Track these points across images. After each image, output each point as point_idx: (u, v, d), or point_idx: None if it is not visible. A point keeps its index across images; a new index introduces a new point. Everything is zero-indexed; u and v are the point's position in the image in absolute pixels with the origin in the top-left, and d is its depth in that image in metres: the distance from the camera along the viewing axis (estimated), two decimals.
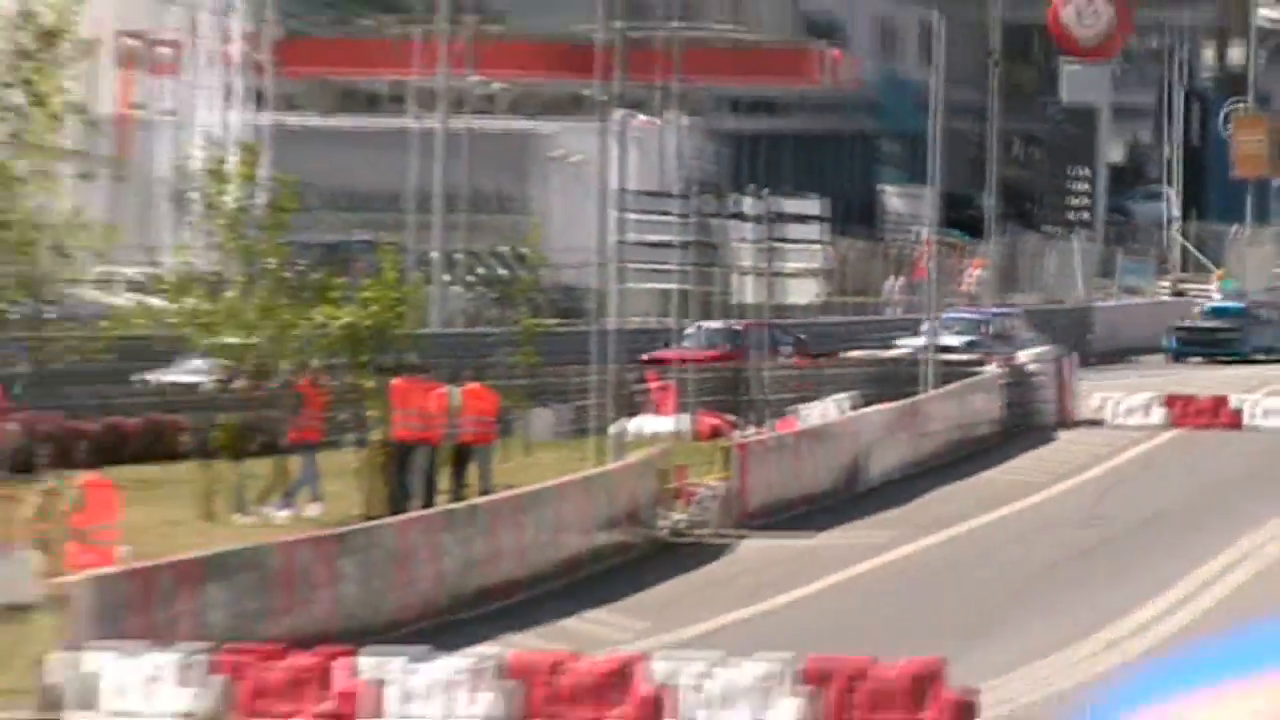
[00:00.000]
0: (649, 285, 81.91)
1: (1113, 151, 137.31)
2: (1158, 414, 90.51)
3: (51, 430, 68.88)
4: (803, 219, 79.59)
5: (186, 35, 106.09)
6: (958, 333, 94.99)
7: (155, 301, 76.28)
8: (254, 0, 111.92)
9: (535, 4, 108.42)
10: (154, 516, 57.54)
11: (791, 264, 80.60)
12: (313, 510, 62.89)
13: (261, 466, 63.87)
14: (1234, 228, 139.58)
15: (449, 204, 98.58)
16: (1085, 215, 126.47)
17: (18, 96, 63.93)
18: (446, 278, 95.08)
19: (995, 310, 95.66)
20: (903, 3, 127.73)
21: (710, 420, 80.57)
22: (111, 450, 69.79)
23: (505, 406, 70.44)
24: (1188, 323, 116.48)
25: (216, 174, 71.27)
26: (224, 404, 67.59)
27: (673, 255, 76.86)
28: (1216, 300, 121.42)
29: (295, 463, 64.08)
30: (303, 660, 44.25)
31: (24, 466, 61.52)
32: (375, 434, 64.64)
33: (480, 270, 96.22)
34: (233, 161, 74.90)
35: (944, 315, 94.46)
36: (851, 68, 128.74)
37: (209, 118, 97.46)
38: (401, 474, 62.85)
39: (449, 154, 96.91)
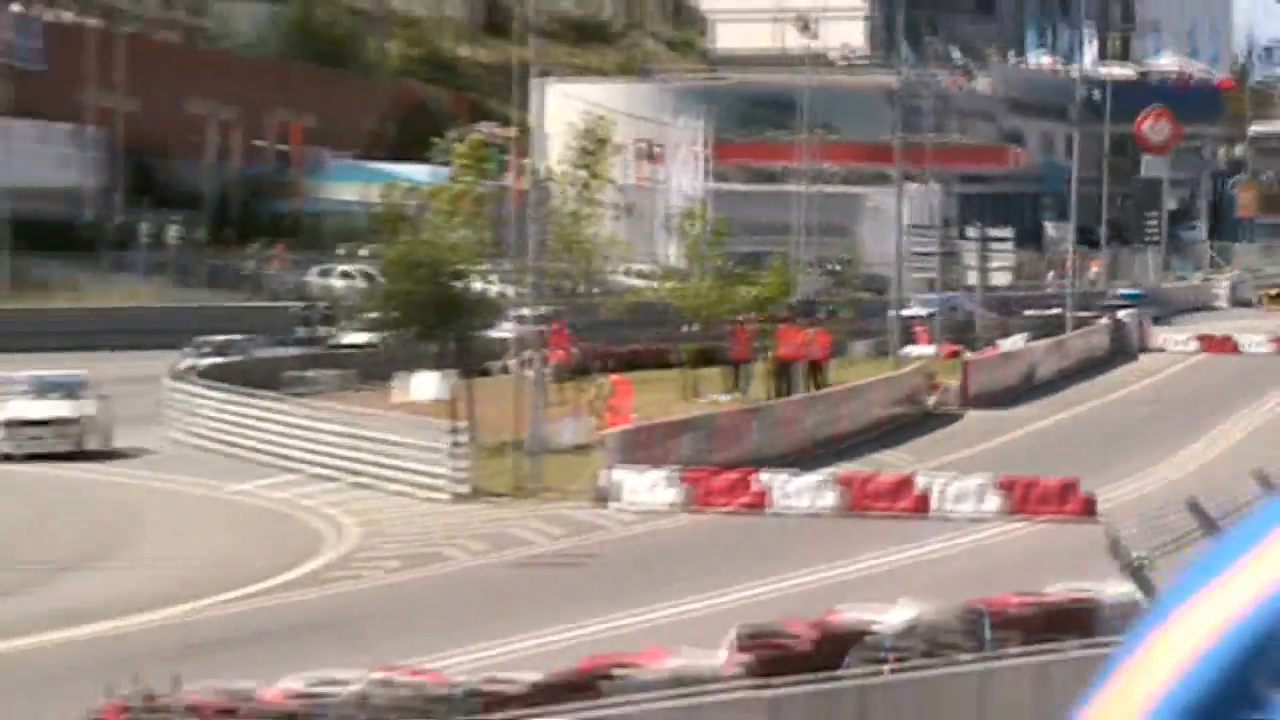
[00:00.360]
0: (918, 275, 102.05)
1: (1170, 202, 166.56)
2: (1193, 345, 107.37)
3: (598, 352, 76.52)
4: (1000, 240, 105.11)
5: (670, 141, 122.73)
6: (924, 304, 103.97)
7: (653, 284, 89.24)
8: (706, 119, 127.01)
9: (857, 122, 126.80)
10: (653, 399, 67.14)
11: (994, 264, 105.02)
12: (738, 395, 74.36)
13: (714, 372, 76.94)
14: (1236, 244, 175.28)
15: (809, 231, 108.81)
16: (1155, 238, 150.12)
17: (582, 174, 70.13)
18: (810, 270, 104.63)
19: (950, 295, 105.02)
20: (1055, 123, 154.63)
21: (950, 347, 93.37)
22: (630, 363, 77.88)
23: (838, 340, 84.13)
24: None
25: (687, 215, 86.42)
26: (691, 337, 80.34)
27: (931, 260, 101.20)
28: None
29: (729, 372, 76.67)
30: (732, 475, 54.14)
31: (582, 372, 70.65)
32: (771, 355, 76.64)
33: (827, 266, 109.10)
34: (694, 209, 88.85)
35: (941, 295, 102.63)
36: (1027, 158, 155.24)
37: (682, 184, 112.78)
38: (785, 376, 75.29)
39: (812, 205, 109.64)
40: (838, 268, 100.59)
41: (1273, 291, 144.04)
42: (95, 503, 52.60)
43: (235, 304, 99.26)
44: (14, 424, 55.04)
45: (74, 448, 55.55)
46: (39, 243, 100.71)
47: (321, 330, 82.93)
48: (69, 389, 58.01)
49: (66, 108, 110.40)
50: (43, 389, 57.14)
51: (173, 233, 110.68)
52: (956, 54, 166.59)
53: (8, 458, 55.14)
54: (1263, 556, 0.80)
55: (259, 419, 63.08)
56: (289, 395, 68.33)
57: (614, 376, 65.25)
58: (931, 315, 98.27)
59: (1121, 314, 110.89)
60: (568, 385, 67.94)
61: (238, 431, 62.94)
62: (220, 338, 79.88)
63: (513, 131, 77.47)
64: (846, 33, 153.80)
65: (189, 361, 73.70)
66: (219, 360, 75.28)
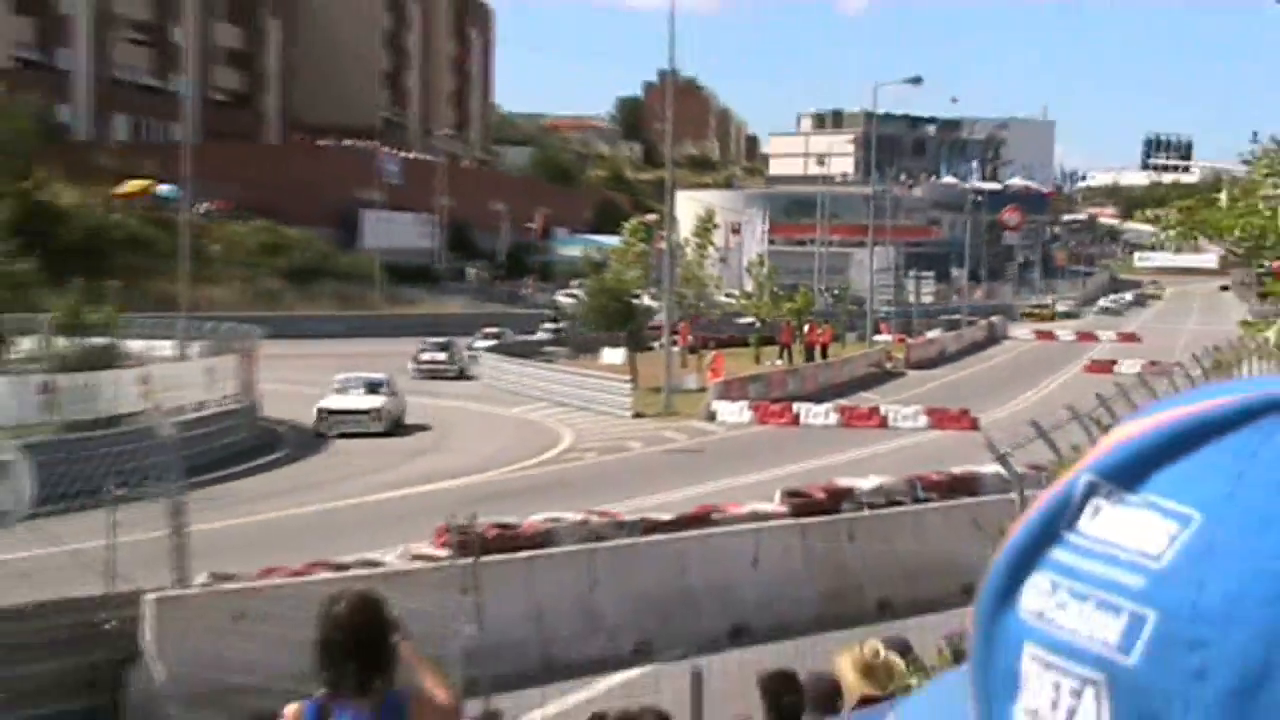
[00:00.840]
0: (881, 296, 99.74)
1: (1019, 257, 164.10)
2: (1032, 336, 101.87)
3: (706, 336, 72.70)
4: (926, 277, 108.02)
5: (746, 222, 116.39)
6: None
7: (736, 300, 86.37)
8: (766, 211, 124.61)
9: (849, 214, 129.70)
10: (736, 364, 63.90)
11: (924, 290, 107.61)
12: (782, 362, 71.57)
13: (771, 350, 75.05)
14: (1056, 280, 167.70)
15: (822, 272, 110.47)
16: (1010, 277, 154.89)
17: (697, 240, 70.14)
18: (822, 294, 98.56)
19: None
20: (957, 214, 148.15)
21: (899, 335, 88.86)
22: (723, 344, 72.33)
23: (837, 332, 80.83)
24: None
25: (755, 263, 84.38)
26: (757, 330, 77.47)
27: (889, 289, 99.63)
28: None
29: (779, 350, 74.39)
30: (779, 405, 52.66)
31: (697, 349, 68.61)
32: (801, 340, 74.90)
33: (832, 292, 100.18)
34: (759, 260, 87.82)
35: None
36: (941, 233, 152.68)
37: (752, 246, 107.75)
38: (808, 352, 73.95)
39: (823, 258, 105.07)
40: (836, 292, 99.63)
41: (1033, 311, 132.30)
42: (435, 418, 52.32)
43: (511, 311, 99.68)
44: (323, 412, 48.41)
45: (367, 430, 47.56)
46: (404, 278, 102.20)
47: (555, 325, 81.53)
48: (372, 386, 50.25)
49: (415, 203, 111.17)
50: (349, 386, 50.16)
51: (472, 273, 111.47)
52: (903, 176, 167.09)
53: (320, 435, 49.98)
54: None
55: (522, 372, 63.07)
56: (539, 359, 68.39)
57: (715, 352, 63.00)
58: (888, 317, 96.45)
59: (993, 317, 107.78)
60: (689, 356, 67.23)
61: (511, 379, 62.79)
62: (496, 329, 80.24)
63: (656, 218, 76.74)
64: (844, 164, 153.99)
65: (483, 341, 74.47)
66: (499, 340, 75.75)
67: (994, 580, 0.83)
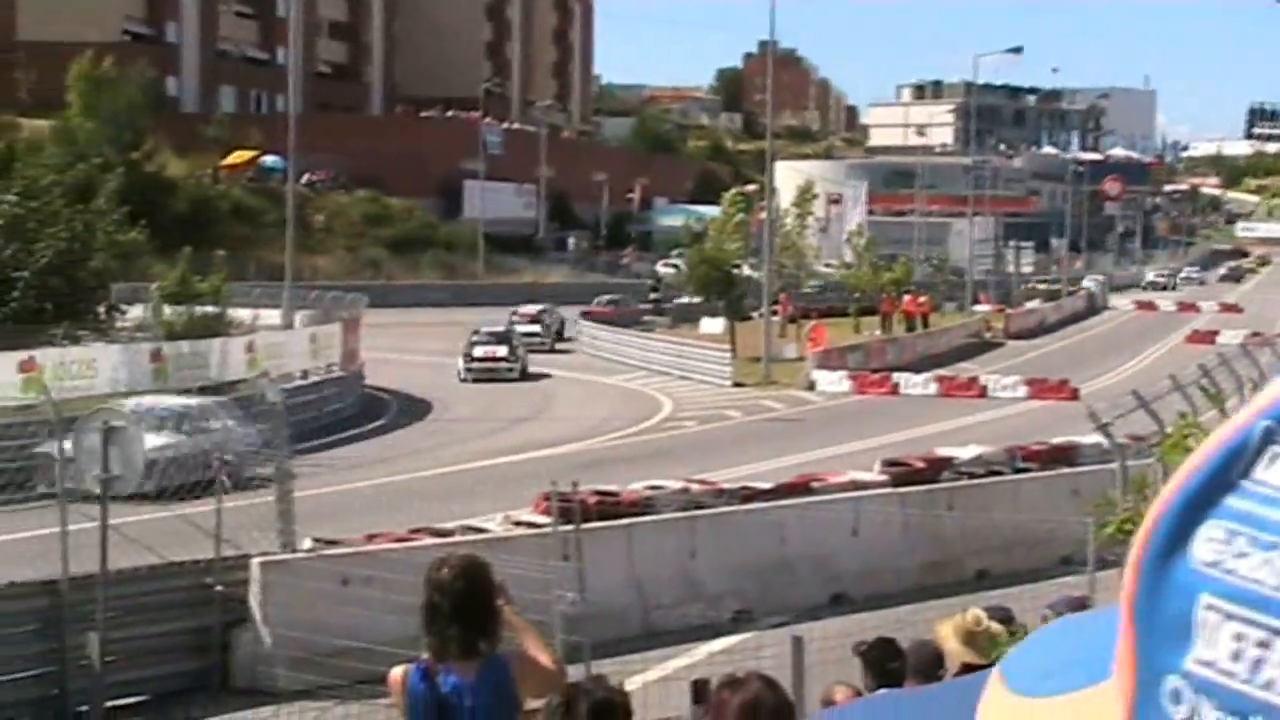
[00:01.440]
0: (980, 267, 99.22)
1: (1119, 228, 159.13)
2: (1132, 307, 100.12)
3: (805, 309, 70.61)
4: (1025, 248, 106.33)
5: (846, 193, 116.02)
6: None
7: (835, 271, 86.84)
8: (866, 181, 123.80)
9: (948, 184, 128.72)
10: (835, 333, 62.69)
11: (1023, 261, 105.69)
12: (883, 332, 70.57)
13: (871, 320, 73.58)
14: (1156, 251, 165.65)
15: (920, 243, 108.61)
16: (1111, 248, 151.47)
17: (796, 210, 70.72)
18: (921, 264, 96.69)
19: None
20: (1057, 184, 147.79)
21: (998, 305, 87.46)
22: (823, 313, 71.29)
23: (936, 301, 79.55)
24: None
25: (855, 234, 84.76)
26: (856, 300, 75.48)
27: (988, 259, 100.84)
28: None
29: (881, 320, 73.10)
30: (878, 374, 52.99)
31: (797, 319, 67.10)
32: (900, 310, 73.80)
33: (931, 263, 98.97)
34: (859, 230, 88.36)
35: None
36: (1041, 204, 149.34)
37: (852, 217, 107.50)
38: (908, 321, 72.86)
39: (922, 229, 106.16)
40: (936, 263, 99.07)
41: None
42: (536, 387, 52.72)
43: (611, 281, 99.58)
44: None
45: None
46: (505, 248, 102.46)
47: (654, 295, 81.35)
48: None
49: (516, 173, 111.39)
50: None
51: (573, 243, 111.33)
52: (1002, 146, 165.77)
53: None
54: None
55: (623, 342, 63.29)
56: (640, 329, 68.61)
57: (814, 321, 62.93)
58: (987, 286, 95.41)
59: (1091, 285, 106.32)
60: (789, 326, 67.06)
61: (612, 348, 63.06)
62: (606, 297, 80.00)
63: (756, 188, 76.53)
64: (943, 134, 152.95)
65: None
66: (603, 308, 75.71)
67: (1162, 529, 0.80)
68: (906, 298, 75.32)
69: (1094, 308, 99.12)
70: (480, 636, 6.33)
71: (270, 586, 17.53)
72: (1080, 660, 0.84)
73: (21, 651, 16.44)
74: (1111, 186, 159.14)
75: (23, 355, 34.58)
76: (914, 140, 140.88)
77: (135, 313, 45.74)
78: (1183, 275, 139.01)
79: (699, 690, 10.45)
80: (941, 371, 55.80)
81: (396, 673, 6.50)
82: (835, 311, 75.72)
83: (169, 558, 17.80)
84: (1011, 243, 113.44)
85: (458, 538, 19.24)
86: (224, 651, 17.59)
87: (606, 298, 78.31)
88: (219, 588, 17.55)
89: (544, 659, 6.47)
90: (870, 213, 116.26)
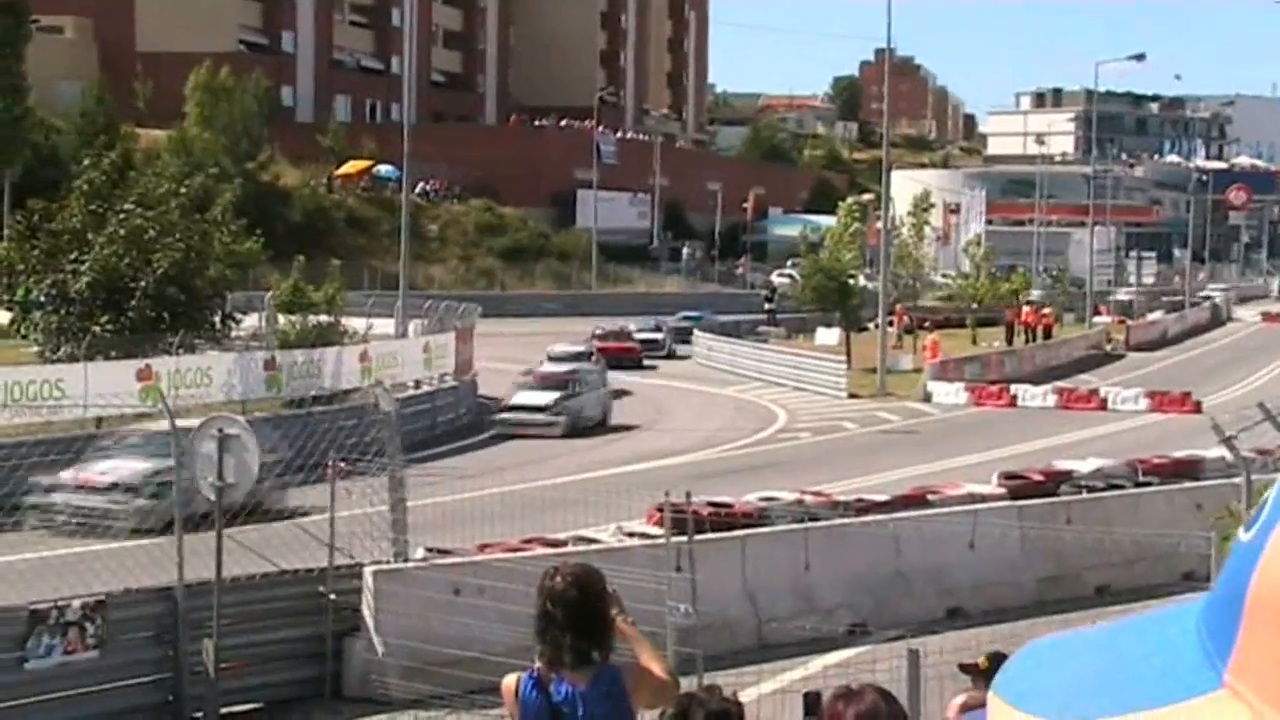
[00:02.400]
0: (1100, 278, 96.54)
1: (1244, 238, 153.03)
2: (1258, 318, 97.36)
3: (921, 320, 70.26)
4: (1147, 258, 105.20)
5: (963, 202, 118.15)
6: None
7: (952, 281, 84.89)
8: (983, 190, 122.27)
9: (1068, 193, 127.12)
10: (951, 344, 63.09)
11: (1145, 272, 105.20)
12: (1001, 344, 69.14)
13: (989, 330, 73.23)
14: None
15: (1040, 253, 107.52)
16: (1235, 258, 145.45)
17: (912, 219, 72.80)
18: (1040, 275, 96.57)
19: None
20: (1179, 194, 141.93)
21: (1119, 317, 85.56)
22: (939, 324, 69.74)
23: (1056, 313, 79.58)
24: None
25: (973, 243, 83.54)
26: (974, 311, 75.25)
27: (1109, 270, 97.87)
28: None
29: (1004, 331, 71.83)
30: (995, 387, 52.83)
31: (919, 328, 66.96)
32: (1020, 321, 73.23)
33: (1050, 273, 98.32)
34: (976, 240, 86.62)
35: None
36: (1163, 213, 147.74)
37: (969, 227, 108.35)
38: (1028, 333, 72.07)
39: (1041, 239, 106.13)
40: (1055, 273, 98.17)
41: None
42: (646, 397, 52.75)
43: (725, 291, 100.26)
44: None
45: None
46: (619, 257, 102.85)
47: (769, 305, 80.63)
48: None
49: (630, 183, 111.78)
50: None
51: (687, 252, 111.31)
52: (1124, 155, 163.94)
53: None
54: None
55: (738, 352, 63.31)
56: (754, 339, 68.67)
57: (932, 333, 62.11)
58: (1109, 298, 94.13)
59: (1215, 296, 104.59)
60: (905, 337, 67.05)
61: (726, 359, 63.10)
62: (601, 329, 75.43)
63: (872, 198, 76.06)
64: (1063, 143, 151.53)
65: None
66: (716, 319, 75.20)
67: None
68: (1026, 309, 74.90)
69: (1218, 319, 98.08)
70: (593, 646, 6.34)
71: (383, 595, 17.64)
72: (1121, 682, 0.82)
73: (137, 657, 16.66)
74: (1236, 195, 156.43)
75: (140, 364, 35.04)
76: (1033, 149, 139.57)
77: (250, 322, 46.16)
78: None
79: (811, 702, 10.40)
80: (1061, 384, 55.33)
81: (509, 681, 6.53)
82: (952, 323, 75.39)
83: (283, 566, 17.99)
84: (1133, 253, 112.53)
85: (570, 548, 19.26)
86: (336, 660, 17.70)
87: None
88: (332, 596, 17.70)
89: (657, 670, 6.47)
90: (988, 222, 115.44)
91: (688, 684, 9.85)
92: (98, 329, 37.49)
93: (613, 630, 6.42)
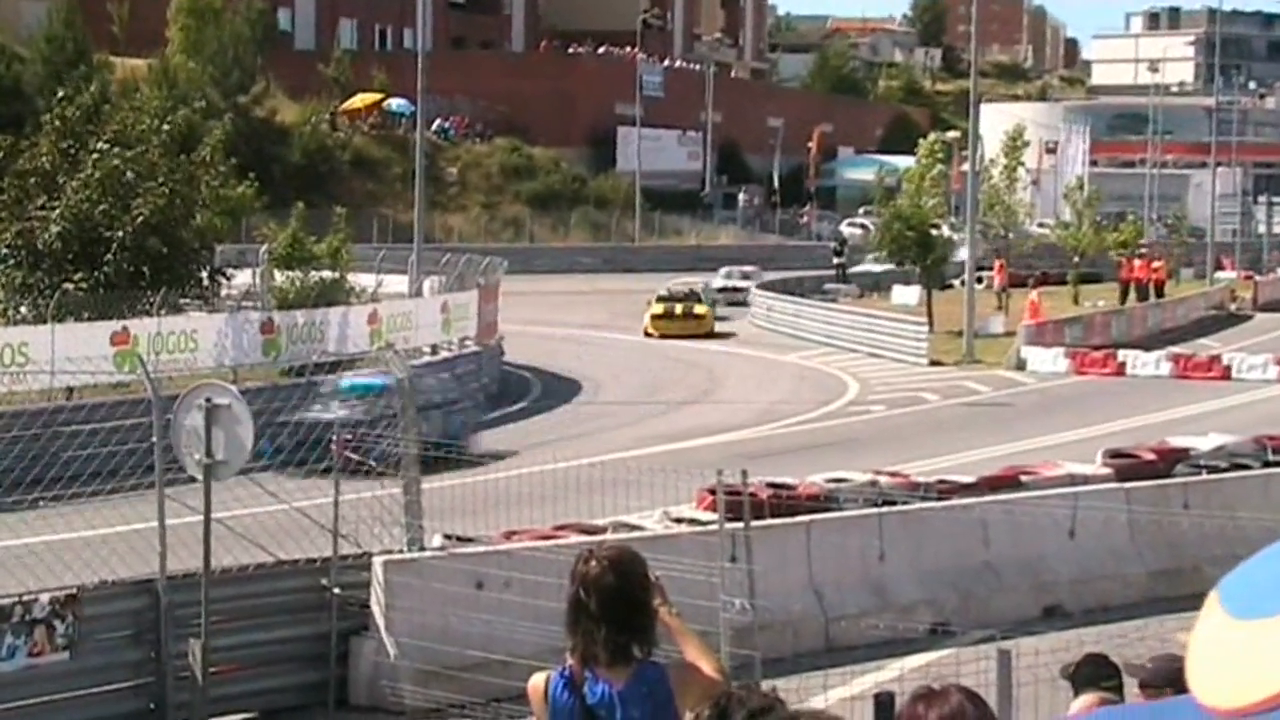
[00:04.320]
0: (1224, 226, 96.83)
1: None
2: None
3: (1024, 273, 72.36)
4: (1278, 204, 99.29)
5: (1063, 140, 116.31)
6: None
7: (1049, 232, 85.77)
8: (1087, 126, 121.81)
9: (1186, 129, 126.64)
10: (1050, 304, 63.06)
11: (1275, 219, 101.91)
12: (1108, 303, 70.04)
13: (1093, 288, 75.07)
14: None
15: (1153, 199, 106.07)
16: None
17: (1004, 161, 69.29)
18: (1153, 224, 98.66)
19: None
20: None
21: (1246, 272, 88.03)
22: (1038, 281, 70.10)
23: (1171, 267, 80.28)
24: None
25: (1074, 188, 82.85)
26: (1076, 265, 76.53)
27: (1233, 217, 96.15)
28: None
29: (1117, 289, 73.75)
30: (1101, 353, 52.79)
31: (1020, 285, 68.72)
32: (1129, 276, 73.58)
33: (1165, 221, 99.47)
34: (1078, 184, 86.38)
35: None
36: None
37: (1070, 168, 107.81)
38: (1139, 290, 72.41)
39: (1155, 182, 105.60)
40: (1170, 221, 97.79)
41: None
42: (697, 364, 52.91)
43: (788, 243, 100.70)
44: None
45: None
46: (666, 205, 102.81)
47: (838, 260, 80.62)
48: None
49: (679, 119, 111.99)
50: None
51: (744, 199, 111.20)
52: (1253, 84, 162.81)
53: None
54: None
55: (802, 313, 63.57)
56: (822, 298, 69.02)
57: (1032, 294, 61.86)
58: (1233, 249, 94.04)
59: None
60: (1000, 295, 67.41)
61: (789, 321, 63.46)
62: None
63: (958, 135, 75.76)
64: (1181, 71, 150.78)
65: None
66: (779, 276, 75.46)
67: None
68: (1137, 262, 74.93)
69: None
70: (633, 640, 6.36)
71: (395, 589, 17.69)
72: None
73: (115, 660, 16.73)
74: None
75: (115, 326, 35.19)
76: (1145, 78, 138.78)
77: (243, 278, 46.45)
78: None
79: (884, 704, 10.39)
80: (1176, 349, 55.30)
81: (537, 681, 6.55)
82: (1050, 279, 75.42)
83: (280, 555, 18.04)
84: (1262, 198, 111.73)
85: (610, 535, 19.26)
86: (342, 663, 17.78)
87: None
88: (336, 590, 17.75)
89: (707, 668, 6.48)
90: (1092, 163, 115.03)
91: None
92: (70, 286, 37.72)
93: (655, 622, 6.43)
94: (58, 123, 40.59)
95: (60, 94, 43.06)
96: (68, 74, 46.71)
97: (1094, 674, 8.37)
